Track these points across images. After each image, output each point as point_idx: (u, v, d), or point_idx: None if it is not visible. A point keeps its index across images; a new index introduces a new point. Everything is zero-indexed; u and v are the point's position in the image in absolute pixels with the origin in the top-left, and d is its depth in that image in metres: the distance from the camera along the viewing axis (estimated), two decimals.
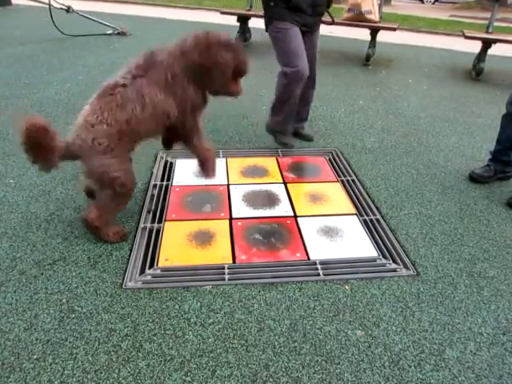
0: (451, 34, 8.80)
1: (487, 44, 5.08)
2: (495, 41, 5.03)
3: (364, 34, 5.80)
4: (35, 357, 1.42)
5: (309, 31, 2.81)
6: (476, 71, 5.23)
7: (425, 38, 8.24)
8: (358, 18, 5.35)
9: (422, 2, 17.40)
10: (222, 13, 6.18)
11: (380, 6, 5.49)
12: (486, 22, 5.37)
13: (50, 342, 1.47)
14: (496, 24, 5.74)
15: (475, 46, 5.38)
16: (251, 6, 6.16)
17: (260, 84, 4.34)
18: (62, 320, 1.56)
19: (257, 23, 6.74)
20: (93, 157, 1.75)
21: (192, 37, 1.86)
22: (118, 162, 1.80)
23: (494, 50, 5.22)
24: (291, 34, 2.68)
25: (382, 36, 5.84)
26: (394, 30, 5.44)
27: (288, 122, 2.94)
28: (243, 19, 6.06)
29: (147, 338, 1.51)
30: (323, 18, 2.95)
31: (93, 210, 1.88)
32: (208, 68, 1.81)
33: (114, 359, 1.42)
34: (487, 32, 5.21)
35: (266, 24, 2.83)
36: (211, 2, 11.15)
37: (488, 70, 5.26)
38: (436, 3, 17.16)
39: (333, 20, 3.05)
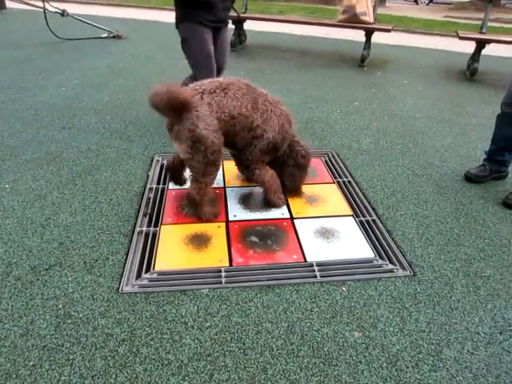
0: (446, 34, 8.85)
1: (481, 44, 5.12)
2: (489, 41, 5.06)
3: (359, 36, 5.82)
4: (31, 363, 1.41)
5: (221, 26, 3.01)
6: (470, 71, 5.26)
7: (419, 39, 8.28)
8: (352, 20, 5.38)
9: (417, 3, 17.49)
10: None
11: (375, 8, 5.52)
12: (480, 22, 5.41)
13: (46, 347, 1.46)
14: (490, 24, 5.79)
15: (469, 47, 5.42)
16: (246, 9, 6.18)
17: None
18: (59, 325, 1.55)
19: (252, 26, 6.78)
20: None
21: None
22: None
23: (488, 50, 5.25)
24: (201, 37, 2.85)
25: (377, 37, 5.86)
26: (389, 31, 5.47)
27: None
28: (238, 22, 6.06)
29: (144, 343, 1.50)
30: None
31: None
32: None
33: (110, 364, 1.42)
34: (481, 32, 5.24)
35: (177, 23, 2.96)
36: None
37: (482, 70, 5.29)
38: (430, 4, 17.25)
39: (238, 15, 3.39)
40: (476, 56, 5.19)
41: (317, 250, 2.00)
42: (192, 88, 1.98)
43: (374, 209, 2.37)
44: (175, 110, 1.84)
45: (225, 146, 2.13)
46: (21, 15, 8.26)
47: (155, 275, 1.82)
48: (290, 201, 2.40)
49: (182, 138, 1.94)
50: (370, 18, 5.36)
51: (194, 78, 2.86)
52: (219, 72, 3.10)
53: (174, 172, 2.36)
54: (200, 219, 2.17)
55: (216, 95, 1.96)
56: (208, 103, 1.93)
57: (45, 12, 6.04)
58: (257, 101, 2.06)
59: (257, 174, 2.22)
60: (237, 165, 2.32)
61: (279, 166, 2.32)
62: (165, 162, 2.54)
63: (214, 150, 1.96)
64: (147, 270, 1.84)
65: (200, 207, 2.13)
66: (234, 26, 6.05)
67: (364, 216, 2.30)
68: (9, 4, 8.68)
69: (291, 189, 2.40)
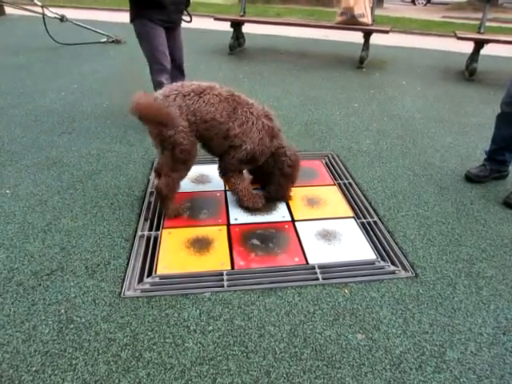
0: (444, 35, 8.86)
1: (479, 44, 5.13)
2: (487, 41, 5.08)
3: (357, 37, 5.84)
4: (34, 369, 1.41)
5: (174, 27, 3.19)
6: (469, 71, 5.26)
7: (417, 40, 8.30)
8: (350, 22, 5.39)
9: (414, 4, 17.53)
10: (216, 19, 6.21)
11: (372, 9, 5.53)
12: (478, 22, 5.42)
13: (48, 353, 1.46)
14: (488, 24, 5.80)
15: (468, 47, 5.43)
16: (245, 12, 6.19)
17: (252, 88, 4.36)
18: (61, 331, 1.55)
19: (250, 29, 6.80)
20: None
21: None
22: None
23: (487, 50, 5.26)
24: (155, 33, 3.03)
25: (375, 38, 5.87)
26: (387, 32, 5.48)
27: None
28: (237, 25, 6.08)
29: (147, 347, 1.50)
30: (183, 17, 3.32)
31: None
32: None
33: (113, 369, 1.41)
34: (479, 32, 5.26)
35: (131, 19, 3.11)
36: (205, 8, 11.20)
37: (481, 70, 5.30)
38: (428, 5, 17.29)
39: (191, 18, 3.34)
40: (474, 56, 5.20)
41: (318, 253, 2.00)
42: (170, 88, 2.06)
43: (374, 210, 2.37)
44: (158, 124, 1.97)
45: (203, 148, 2.25)
46: (20, 21, 8.29)
47: (157, 279, 1.82)
48: (291, 204, 2.40)
49: (152, 135, 2.08)
50: (368, 19, 5.38)
51: (150, 68, 3.15)
52: (180, 68, 3.34)
53: (160, 175, 2.35)
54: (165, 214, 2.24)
55: (189, 98, 2.01)
56: (179, 105, 2.00)
57: (44, 17, 6.06)
58: (236, 110, 2.09)
59: (232, 183, 2.28)
60: (219, 173, 2.33)
61: (266, 175, 2.35)
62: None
63: (182, 149, 2.03)
64: (149, 274, 1.84)
65: (166, 202, 2.19)
66: (232, 29, 6.08)
67: (365, 217, 2.30)
68: (8, 10, 8.71)
69: (277, 197, 2.40)
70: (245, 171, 2.37)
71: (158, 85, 3.02)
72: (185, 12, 3.26)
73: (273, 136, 2.20)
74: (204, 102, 2.02)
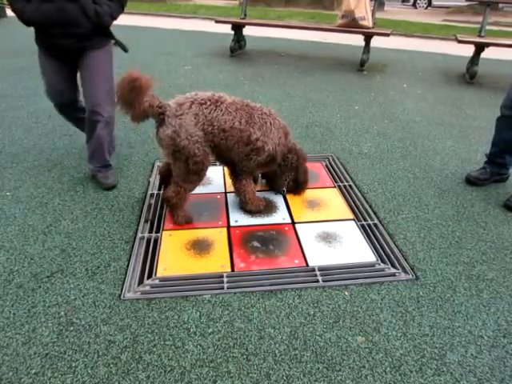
0: (444, 38, 8.87)
1: (480, 48, 5.13)
2: (488, 44, 5.08)
3: (358, 40, 5.84)
4: (34, 371, 1.40)
5: (77, 55, 2.31)
6: (470, 75, 5.27)
7: (418, 43, 8.31)
8: (351, 25, 5.40)
9: (415, 7, 17.57)
10: (217, 21, 6.22)
11: (373, 12, 5.54)
12: (479, 26, 5.43)
13: (48, 355, 1.46)
14: (488, 28, 5.80)
15: (468, 50, 5.43)
16: (245, 15, 6.21)
17: (253, 90, 4.37)
18: (61, 333, 1.55)
19: (251, 31, 6.81)
20: None
21: None
22: None
23: (487, 53, 5.27)
24: (43, 63, 2.38)
25: (376, 41, 5.89)
26: (388, 35, 5.49)
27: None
28: (237, 27, 6.10)
29: (147, 350, 1.50)
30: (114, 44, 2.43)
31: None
32: None
33: (113, 371, 1.41)
34: (480, 36, 5.26)
35: None
36: (206, 10, 11.24)
37: (481, 73, 5.30)
38: (429, 8, 17.33)
39: (123, 47, 2.43)
40: (475, 59, 5.20)
41: (318, 255, 2.00)
42: (185, 96, 2.00)
43: (375, 212, 2.37)
44: (131, 91, 1.82)
45: (217, 160, 2.20)
46: (21, 24, 8.30)
47: (157, 281, 1.82)
48: (291, 206, 2.40)
49: (164, 144, 1.97)
50: (368, 22, 5.39)
51: None
52: (93, 113, 2.32)
53: (164, 177, 2.36)
54: (173, 221, 2.21)
55: (206, 107, 1.95)
56: (195, 113, 1.93)
57: None
58: (252, 115, 2.08)
59: (242, 184, 2.25)
60: (230, 174, 2.32)
61: (279, 175, 2.40)
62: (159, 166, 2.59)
63: (196, 160, 1.97)
64: (149, 276, 1.84)
65: (175, 210, 2.16)
66: (233, 32, 6.09)
67: (365, 220, 2.30)
68: (9, 12, 8.74)
69: (297, 192, 2.48)
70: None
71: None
72: (111, 41, 2.40)
73: (286, 133, 2.25)
74: (221, 110, 1.98)
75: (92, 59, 2.31)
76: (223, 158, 2.18)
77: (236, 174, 2.25)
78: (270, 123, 2.13)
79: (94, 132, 2.38)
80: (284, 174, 2.38)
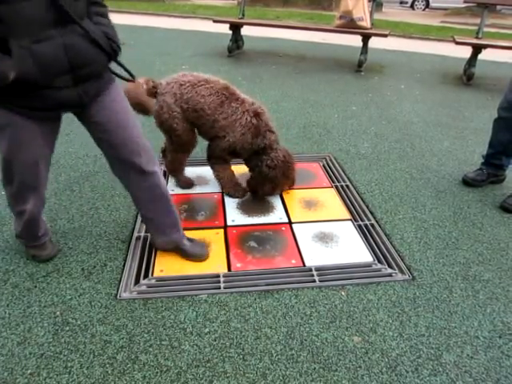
0: (442, 39, 8.89)
1: (477, 49, 5.14)
2: (485, 46, 5.09)
3: (356, 41, 5.85)
4: (29, 371, 1.40)
5: (82, 110, 1.57)
6: (467, 76, 5.28)
7: (416, 44, 8.32)
8: (349, 25, 5.40)
9: (413, 9, 17.61)
10: (215, 21, 6.21)
11: (371, 13, 5.54)
12: (476, 27, 5.44)
13: (44, 355, 1.45)
14: (486, 30, 5.80)
15: (466, 52, 5.45)
16: (243, 15, 6.21)
17: (251, 90, 4.37)
18: (57, 333, 1.54)
19: (249, 31, 6.81)
20: None
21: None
22: None
23: (485, 55, 5.28)
24: (14, 135, 1.48)
25: (374, 42, 5.89)
26: (386, 36, 5.50)
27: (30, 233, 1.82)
28: (235, 27, 6.10)
29: (143, 350, 1.49)
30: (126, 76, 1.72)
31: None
32: None
33: (109, 372, 1.41)
34: (477, 37, 5.28)
35: None
36: (204, 10, 11.23)
37: (479, 74, 5.32)
38: (426, 10, 17.37)
39: (133, 78, 1.74)
40: (472, 61, 5.22)
41: (315, 255, 2.00)
42: (173, 76, 2.27)
43: (372, 213, 2.37)
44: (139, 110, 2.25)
45: (199, 135, 2.38)
46: None
47: (153, 281, 1.81)
48: (288, 205, 2.40)
49: (154, 117, 2.29)
50: (366, 23, 5.39)
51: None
52: (149, 164, 1.70)
53: (164, 151, 2.57)
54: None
55: (184, 88, 2.18)
56: (174, 93, 2.18)
57: None
58: (223, 103, 2.19)
59: (215, 169, 2.43)
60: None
61: (252, 172, 2.42)
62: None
63: (177, 134, 2.24)
64: (145, 276, 1.84)
65: (176, 175, 2.53)
66: (231, 32, 6.09)
67: (362, 220, 2.30)
68: None
69: (254, 192, 2.47)
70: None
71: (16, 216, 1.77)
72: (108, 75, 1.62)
73: (257, 134, 2.24)
74: (196, 92, 2.17)
75: (111, 101, 1.60)
76: (202, 135, 2.37)
77: (208, 158, 2.41)
78: (237, 118, 2.19)
79: (158, 189, 1.75)
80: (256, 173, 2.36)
